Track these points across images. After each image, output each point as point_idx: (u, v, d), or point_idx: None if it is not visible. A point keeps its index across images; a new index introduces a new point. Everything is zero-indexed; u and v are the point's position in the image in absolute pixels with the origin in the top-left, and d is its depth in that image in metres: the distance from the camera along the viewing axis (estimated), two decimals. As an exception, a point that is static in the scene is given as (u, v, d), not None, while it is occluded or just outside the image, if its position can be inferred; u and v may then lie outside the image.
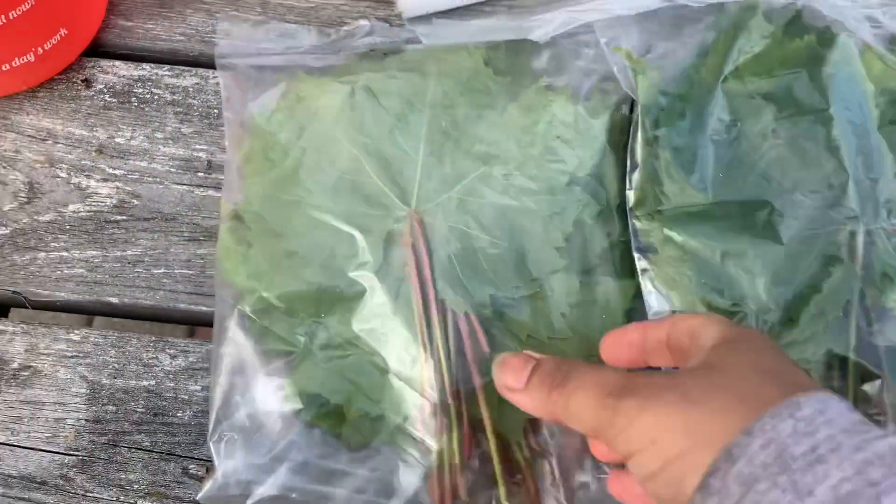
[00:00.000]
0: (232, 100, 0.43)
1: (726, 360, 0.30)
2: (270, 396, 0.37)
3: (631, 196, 0.42)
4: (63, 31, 0.44)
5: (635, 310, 0.41)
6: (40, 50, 0.43)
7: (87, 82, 0.46)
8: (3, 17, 0.40)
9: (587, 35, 0.45)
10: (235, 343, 0.38)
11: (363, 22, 0.46)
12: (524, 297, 0.39)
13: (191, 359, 0.41)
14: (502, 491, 0.36)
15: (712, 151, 0.43)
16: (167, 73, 0.46)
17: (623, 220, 0.42)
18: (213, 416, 0.37)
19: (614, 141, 0.43)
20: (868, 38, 0.47)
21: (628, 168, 0.42)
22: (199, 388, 0.41)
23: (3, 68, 0.43)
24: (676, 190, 0.42)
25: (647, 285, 0.40)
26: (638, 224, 0.41)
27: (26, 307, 0.43)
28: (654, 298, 0.40)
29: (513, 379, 0.32)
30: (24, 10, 0.41)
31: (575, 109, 0.43)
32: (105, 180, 0.44)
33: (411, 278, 0.38)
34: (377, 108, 0.42)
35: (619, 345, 0.34)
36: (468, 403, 0.37)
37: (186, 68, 0.47)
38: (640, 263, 0.41)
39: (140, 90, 0.46)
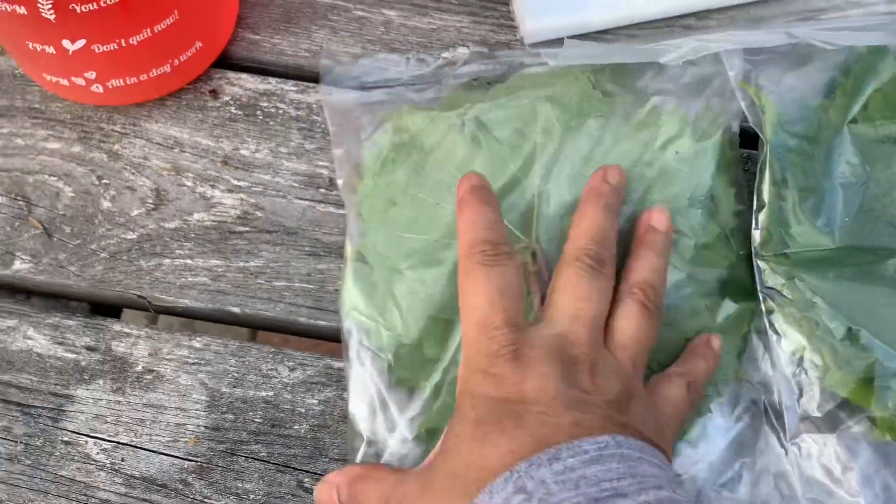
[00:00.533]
0: (340, 136, 0.44)
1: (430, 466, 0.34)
2: (404, 432, 0.38)
3: (756, 235, 0.41)
4: (198, 44, 0.45)
5: (750, 331, 0.41)
6: (176, 61, 0.44)
7: (215, 93, 0.47)
8: (148, 30, 0.41)
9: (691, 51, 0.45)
10: (364, 374, 0.39)
11: (462, 49, 0.46)
12: None
13: (308, 372, 0.42)
14: None
15: (840, 195, 0.42)
16: (292, 88, 0.47)
17: (739, 242, 0.42)
18: (356, 445, 0.38)
19: (725, 160, 0.43)
20: None
21: (754, 207, 0.42)
22: (315, 401, 0.41)
23: (141, 78, 0.44)
24: (803, 232, 0.41)
25: (772, 325, 0.40)
26: (763, 265, 0.41)
27: (147, 310, 0.44)
28: (782, 342, 0.39)
29: None
30: (169, 24, 0.42)
31: (688, 128, 0.42)
32: (230, 191, 0.45)
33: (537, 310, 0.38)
34: (490, 139, 0.42)
35: None
36: None
37: (310, 84, 0.47)
38: (766, 304, 0.40)
39: (265, 104, 0.47)
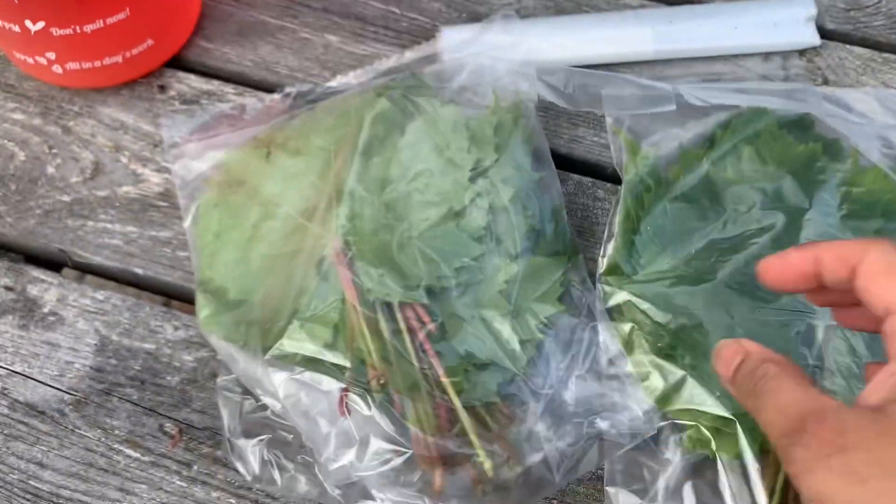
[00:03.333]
0: (185, 188, 0.47)
1: None
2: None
3: (603, 263, 0.45)
4: (150, 42, 0.51)
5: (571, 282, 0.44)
6: (128, 54, 0.51)
7: (163, 88, 0.54)
8: (101, 21, 0.48)
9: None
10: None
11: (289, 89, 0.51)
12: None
13: (190, 332, 0.46)
14: (481, 453, 0.39)
15: (695, 231, 0.45)
16: (231, 90, 0.53)
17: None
18: None
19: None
20: (875, 156, 0.49)
21: (605, 237, 0.46)
22: (191, 358, 0.46)
23: (95, 64, 0.50)
24: (648, 260, 0.45)
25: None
26: (606, 287, 0.44)
27: (69, 266, 0.50)
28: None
29: (722, 368, 0.32)
30: (121, 18, 0.48)
31: (466, 121, 0.47)
32: (158, 171, 0.51)
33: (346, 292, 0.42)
34: (289, 162, 0.47)
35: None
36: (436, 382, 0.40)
37: (248, 89, 0.54)
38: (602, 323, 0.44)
39: (205, 101, 0.53)
